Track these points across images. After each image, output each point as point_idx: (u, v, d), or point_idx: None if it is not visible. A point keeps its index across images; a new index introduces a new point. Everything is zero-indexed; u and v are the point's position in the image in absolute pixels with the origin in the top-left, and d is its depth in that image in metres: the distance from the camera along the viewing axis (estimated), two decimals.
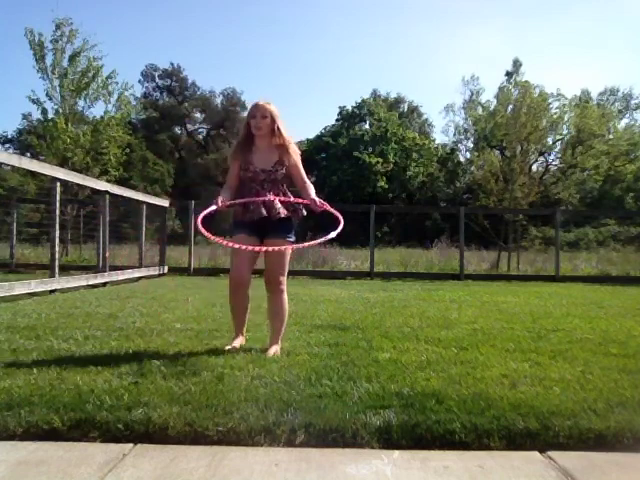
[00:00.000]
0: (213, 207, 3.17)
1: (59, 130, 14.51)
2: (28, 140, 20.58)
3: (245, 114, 3.51)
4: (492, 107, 17.90)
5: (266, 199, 3.23)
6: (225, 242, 3.12)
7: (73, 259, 13.28)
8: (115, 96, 15.54)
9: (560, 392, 2.46)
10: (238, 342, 3.35)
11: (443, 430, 2.02)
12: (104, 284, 8.13)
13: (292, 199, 3.33)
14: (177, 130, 45.93)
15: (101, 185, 8.73)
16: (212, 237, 3.11)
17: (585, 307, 6.11)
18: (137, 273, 9.56)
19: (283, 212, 3.24)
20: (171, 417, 2.05)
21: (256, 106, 3.29)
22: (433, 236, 19.82)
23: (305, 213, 3.37)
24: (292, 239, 3.33)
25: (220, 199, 3.19)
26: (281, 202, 3.28)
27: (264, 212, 3.22)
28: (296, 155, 3.37)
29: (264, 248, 3.15)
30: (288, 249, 3.30)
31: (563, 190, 19.15)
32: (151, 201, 10.84)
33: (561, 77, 52.71)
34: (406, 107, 47.27)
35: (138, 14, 61.60)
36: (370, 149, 38.82)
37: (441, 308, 5.75)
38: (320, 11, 66.12)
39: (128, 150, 17.64)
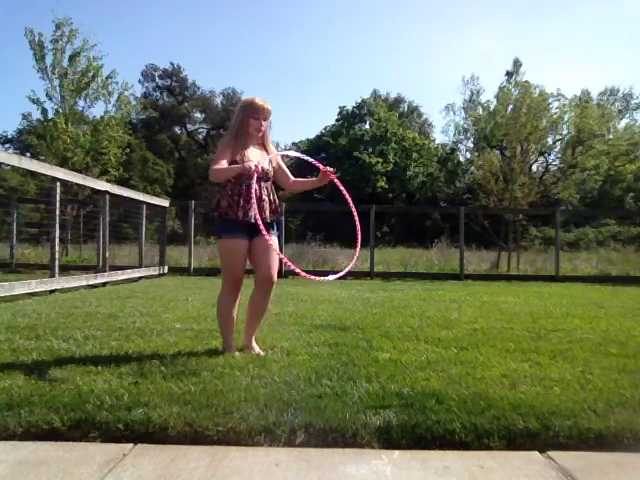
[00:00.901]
0: (255, 178, 3.03)
1: (59, 130, 14.53)
2: (28, 140, 20.60)
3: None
4: (492, 107, 17.89)
5: (270, 153, 3.33)
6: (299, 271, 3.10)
7: (73, 259, 13.29)
8: (115, 96, 15.62)
9: (560, 392, 2.46)
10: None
11: (443, 430, 2.02)
12: (104, 284, 8.13)
13: (317, 162, 3.38)
14: (177, 130, 45.84)
15: (101, 185, 8.73)
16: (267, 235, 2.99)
17: (585, 307, 6.11)
18: (137, 273, 9.56)
19: (271, 216, 3.28)
20: (171, 417, 2.05)
21: (263, 108, 3.27)
22: (433, 236, 19.77)
23: (283, 217, 3.51)
24: (277, 233, 3.40)
25: (252, 165, 3.05)
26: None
27: (257, 216, 3.21)
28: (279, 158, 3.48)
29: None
30: (275, 245, 3.31)
31: (563, 190, 19.08)
32: (151, 201, 10.84)
33: (561, 77, 52.62)
34: (406, 107, 47.16)
35: (138, 14, 61.50)
36: (370, 149, 38.75)
37: (441, 308, 5.75)
38: (320, 11, 66.08)
39: (128, 150, 17.66)
